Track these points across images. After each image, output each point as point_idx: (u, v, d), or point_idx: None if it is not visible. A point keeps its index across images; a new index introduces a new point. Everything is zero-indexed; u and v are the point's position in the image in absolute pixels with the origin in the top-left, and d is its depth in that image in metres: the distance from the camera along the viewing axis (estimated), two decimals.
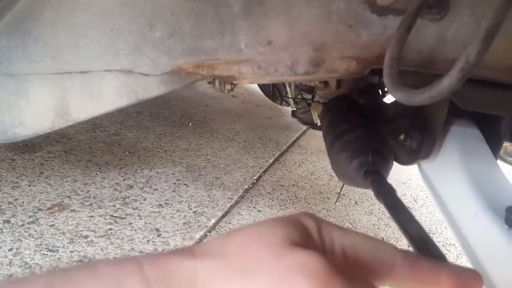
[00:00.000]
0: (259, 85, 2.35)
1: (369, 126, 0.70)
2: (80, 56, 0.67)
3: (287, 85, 1.31)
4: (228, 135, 2.15)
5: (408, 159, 0.71)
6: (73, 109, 0.70)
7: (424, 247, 0.40)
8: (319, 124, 1.04)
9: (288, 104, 2.14)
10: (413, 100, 0.39)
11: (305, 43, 0.60)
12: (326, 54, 0.59)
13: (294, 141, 2.23)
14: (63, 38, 0.66)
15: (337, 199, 1.60)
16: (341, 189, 1.58)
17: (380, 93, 0.92)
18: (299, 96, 1.19)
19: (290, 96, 1.27)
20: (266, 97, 2.42)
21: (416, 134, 0.69)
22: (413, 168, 0.81)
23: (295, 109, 1.33)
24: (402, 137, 0.72)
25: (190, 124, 2.20)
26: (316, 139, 2.25)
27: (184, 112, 2.33)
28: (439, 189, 0.63)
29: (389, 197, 0.50)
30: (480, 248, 0.51)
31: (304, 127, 2.40)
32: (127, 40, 0.66)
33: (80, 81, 0.68)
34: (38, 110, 0.70)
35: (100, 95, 0.69)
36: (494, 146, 0.60)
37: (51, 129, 0.73)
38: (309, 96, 1.11)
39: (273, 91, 2.18)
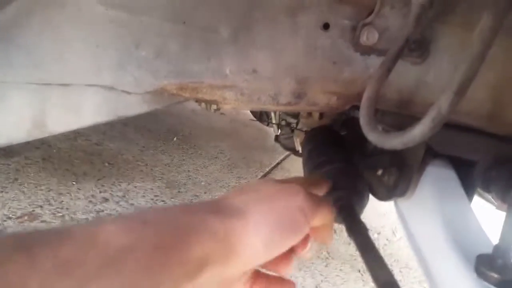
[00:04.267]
0: None
1: (347, 159, 0.70)
2: (63, 68, 0.66)
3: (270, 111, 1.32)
4: (213, 152, 2.14)
5: (384, 195, 0.71)
6: (51, 120, 0.69)
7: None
8: (300, 151, 1.04)
9: (269, 125, 2.16)
10: (384, 144, 0.39)
11: (289, 75, 0.61)
12: (308, 87, 0.60)
13: (278, 163, 2.24)
14: (47, 48, 0.65)
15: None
16: None
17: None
18: (283, 122, 1.20)
19: (273, 121, 1.28)
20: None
21: (394, 170, 0.70)
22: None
23: (278, 134, 1.34)
24: (380, 172, 0.72)
25: (175, 138, 2.19)
26: (300, 163, 2.25)
27: (170, 126, 2.32)
28: (412, 228, 0.63)
29: (360, 236, 0.49)
30: None
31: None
32: (111, 56, 0.66)
33: (60, 93, 0.67)
34: (14, 118, 0.68)
35: (80, 109, 0.68)
36: (469, 189, 0.61)
37: (26, 139, 0.71)
38: (294, 122, 1.12)
39: (261, 113, 2.19)
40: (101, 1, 0.62)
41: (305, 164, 0.76)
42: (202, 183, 1.77)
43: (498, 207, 1.44)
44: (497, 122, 0.57)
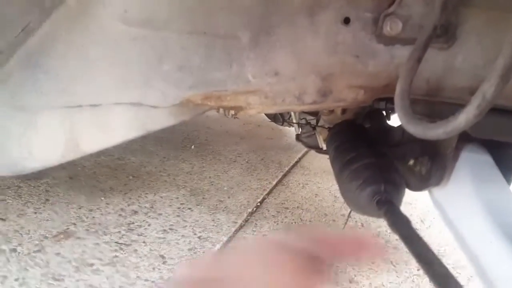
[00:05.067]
0: None
1: (377, 152, 0.69)
2: (90, 89, 0.68)
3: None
4: (231, 157, 2.15)
5: (418, 186, 0.70)
6: (83, 141, 0.70)
7: (443, 281, 0.39)
8: (324, 148, 1.04)
9: (289, 125, 2.15)
10: (427, 135, 0.39)
11: (312, 73, 0.61)
12: (333, 84, 0.60)
13: (297, 162, 2.23)
14: (74, 70, 0.67)
15: (346, 223, 1.58)
16: (349, 213, 1.57)
17: (385, 117, 0.92)
18: (303, 120, 1.20)
19: (294, 120, 1.27)
20: (267, 118, 2.44)
21: (426, 160, 0.69)
22: None
23: (299, 132, 1.34)
24: (411, 162, 0.71)
25: (193, 147, 2.21)
26: (319, 160, 2.24)
27: (186, 135, 2.34)
28: (452, 216, 0.62)
29: (404, 229, 0.49)
30: (497, 276, 0.50)
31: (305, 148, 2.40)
32: (136, 73, 0.67)
33: (90, 114, 0.68)
34: (47, 142, 0.70)
35: (110, 127, 0.69)
36: (507, 172, 0.60)
37: (61, 161, 0.73)
38: (314, 120, 1.12)
39: (275, 113, 2.19)
40: (123, 19, 0.64)
41: (333, 161, 0.76)
42: (225, 188, 1.78)
43: None
44: None
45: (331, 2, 0.56)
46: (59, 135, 0.71)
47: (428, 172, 0.68)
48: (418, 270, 1.41)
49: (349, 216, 1.59)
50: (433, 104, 0.56)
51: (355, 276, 1.32)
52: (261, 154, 2.26)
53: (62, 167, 1.61)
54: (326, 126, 0.89)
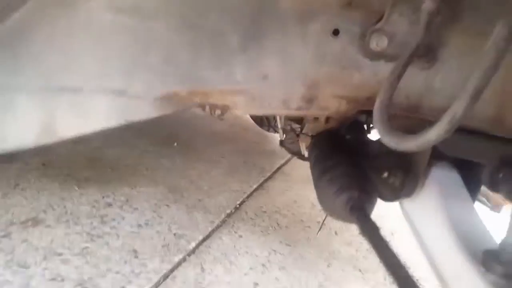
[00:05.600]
0: None
1: (355, 162, 0.71)
2: (73, 74, 0.67)
3: (277, 115, 1.33)
4: (214, 157, 2.15)
5: (390, 196, 0.72)
6: (60, 126, 0.69)
7: (406, 286, 0.41)
8: (306, 155, 1.05)
9: (274, 131, 2.16)
10: (399, 146, 0.41)
11: (299, 80, 0.62)
12: (319, 92, 0.61)
13: (279, 168, 2.24)
14: (57, 56, 0.66)
15: (319, 229, 1.60)
16: (323, 220, 1.59)
17: (366, 130, 0.94)
18: (288, 127, 1.21)
19: (279, 125, 1.29)
20: (253, 122, 2.45)
21: (399, 173, 0.71)
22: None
23: (283, 138, 1.35)
24: (385, 174, 0.73)
25: (176, 144, 2.19)
26: (301, 167, 2.26)
27: (170, 131, 2.32)
28: (419, 227, 0.65)
29: (373, 235, 0.51)
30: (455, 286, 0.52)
31: (290, 155, 2.42)
32: (121, 62, 0.67)
33: (70, 99, 0.67)
34: (23, 124, 0.69)
35: (90, 114, 0.69)
36: (473, 190, 0.63)
37: (35, 145, 0.71)
38: (298, 127, 1.13)
39: (261, 118, 2.20)
40: (110, 8, 0.63)
41: (313, 168, 0.77)
42: (205, 187, 1.77)
43: (492, 209, 1.46)
44: (500, 125, 0.58)
45: (322, 13, 0.57)
46: (36, 118, 0.69)
47: (400, 185, 0.70)
48: (384, 279, 1.44)
49: (323, 223, 1.61)
50: (413, 120, 0.58)
51: (324, 280, 1.34)
52: (244, 157, 2.26)
53: (35, 153, 1.57)
54: (310, 134, 0.91)
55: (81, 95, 0.66)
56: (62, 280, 1.03)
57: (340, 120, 0.93)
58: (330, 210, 0.68)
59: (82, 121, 0.68)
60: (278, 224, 1.64)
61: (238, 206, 1.70)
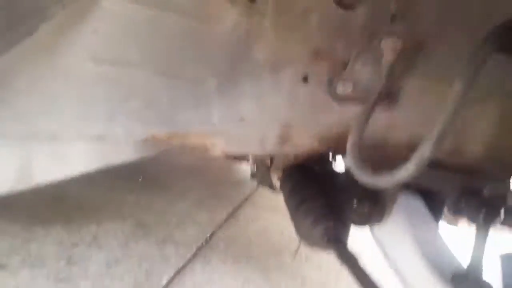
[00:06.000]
0: None
1: (326, 194, 0.77)
2: (51, 122, 0.68)
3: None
4: (180, 190, 2.14)
5: (361, 222, 0.78)
6: (38, 172, 0.69)
7: None
8: (277, 187, 1.09)
9: (240, 161, 2.20)
10: (375, 184, 0.46)
11: (274, 122, 0.67)
12: (293, 132, 0.66)
13: (247, 198, 2.27)
14: (36, 103, 0.66)
15: (294, 256, 1.63)
16: (298, 247, 1.62)
17: (331, 162, 1.01)
18: (259, 161, 1.26)
19: (250, 159, 1.33)
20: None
21: (367, 202, 0.77)
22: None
23: (254, 171, 1.39)
24: (354, 203, 0.79)
25: (140, 178, 2.16)
26: (268, 197, 2.31)
27: (134, 165, 2.28)
28: (389, 251, 0.70)
29: (352, 264, 0.55)
30: None
31: (256, 184, 2.46)
32: (101, 109, 0.68)
33: (49, 146, 0.68)
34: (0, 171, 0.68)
35: (68, 159, 0.69)
36: (436, 214, 0.70)
37: (10, 191, 0.70)
38: (268, 161, 1.18)
39: None
40: (91, 58, 0.65)
41: (287, 201, 0.81)
42: (174, 221, 1.76)
43: (449, 222, 1.57)
44: (459, 157, 0.66)
45: (292, 62, 0.63)
46: (12, 165, 0.68)
47: (369, 213, 0.76)
48: None
49: (297, 250, 1.64)
50: (378, 158, 0.64)
51: None
52: (212, 188, 2.27)
53: None
54: (280, 167, 0.95)
55: (60, 141, 0.66)
56: None
57: (308, 154, 1.00)
58: (307, 239, 0.72)
59: (60, 167, 0.68)
60: (250, 253, 1.65)
61: (208, 238, 1.70)
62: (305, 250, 1.77)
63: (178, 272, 1.38)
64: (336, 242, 0.62)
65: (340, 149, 0.65)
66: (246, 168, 2.57)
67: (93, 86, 0.67)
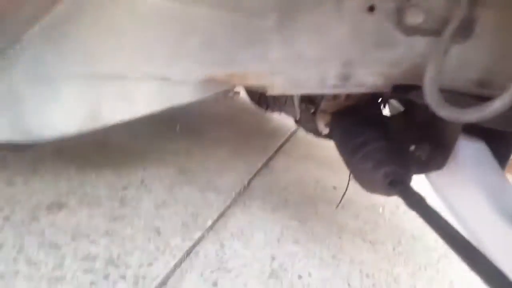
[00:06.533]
0: (246, 90, 2.40)
1: (386, 136, 0.76)
2: (117, 61, 0.69)
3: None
4: (217, 139, 2.18)
5: (417, 170, 0.77)
6: (105, 113, 0.72)
7: (464, 251, 0.45)
8: (324, 133, 1.10)
9: (272, 111, 2.19)
10: (459, 118, 0.45)
11: (335, 58, 0.66)
12: (355, 69, 0.65)
13: (280, 147, 2.29)
14: (101, 43, 0.68)
15: (338, 204, 1.66)
16: (343, 196, 1.65)
17: (384, 105, 0.99)
18: (303, 105, 1.25)
19: (295, 104, 1.32)
20: (249, 103, 2.48)
21: (426, 146, 0.76)
22: None
23: (299, 117, 1.39)
24: (412, 148, 0.78)
25: (178, 127, 2.21)
26: (300, 146, 2.32)
27: (171, 114, 2.33)
28: (450, 198, 0.70)
29: (420, 206, 0.55)
30: (496, 251, 0.57)
31: (288, 133, 2.47)
32: (164, 47, 0.69)
33: (115, 86, 0.70)
34: (68, 112, 0.71)
35: (133, 99, 0.71)
36: (501, 159, 0.68)
37: (79, 132, 0.74)
38: (314, 105, 1.17)
39: (260, 97, 2.23)
40: None
41: (340, 146, 0.81)
42: (213, 168, 1.81)
43: None
44: None
45: None
46: (81, 106, 0.71)
47: (427, 158, 0.75)
48: (393, 249, 1.53)
49: (342, 198, 1.67)
50: (448, 93, 0.62)
51: (337, 252, 1.41)
52: (246, 138, 2.30)
53: None
54: (328, 112, 0.95)
55: (124, 81, 0.69)
56: (93, 259, 1.07)
57: (359, 96, 0.98)
58: (368, 185, 0.72)
59: (126, 108, 0.70)
60: (286, 201, 1.70)
61: (246, 185, 1.75)
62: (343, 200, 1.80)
63: (221, 216, 1.45)
64: (401, 185, 0.62)
65: (406, 87, 0.64)
66: (278, 118, 2.58)
67: (156, 23, 0.67)
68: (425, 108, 0.55)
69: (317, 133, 1.22)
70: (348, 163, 0.77)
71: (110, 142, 1.76)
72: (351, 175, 0.81)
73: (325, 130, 1.05)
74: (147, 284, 1.03)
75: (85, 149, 1.63)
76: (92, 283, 0.99)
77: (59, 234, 1.12)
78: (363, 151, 0.71)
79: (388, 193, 0.67)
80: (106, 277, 1.02)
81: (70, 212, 1.22)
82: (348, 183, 1.48)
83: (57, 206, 1.23)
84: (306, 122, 1.28)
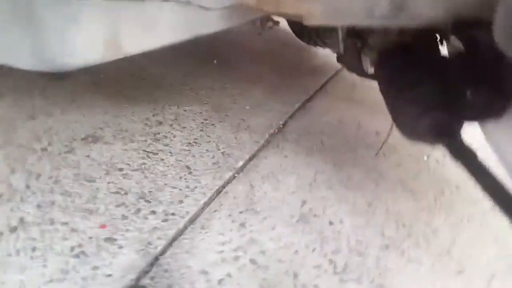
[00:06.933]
0: (289, 22, 2.22)
1: (438, 80, 0.65)
2: None
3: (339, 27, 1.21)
4: (254, 76, 2.09)
5: (472, 117, 0.67)
6: (125, 41, 0.66)
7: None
8: (369, 72, 0.98)
9: (316, 45, 2.03)
10: None
11: None
12: None
13: (322, 86, 2.16)
14: None
15: (378, 151, 1.58)
16: (384, 141, 1.55)
17: (440, 44, 0.85)
18: (349, 40, 1.11)
19: (339, 38, 1.19)
20: (292, 37, 2.31)
21: (485, 92, 0.65)
22: None
23: (342, 53, 1.26)
24: (469, 93, 0.67)
25: (215, 61, 2.14)
26: (344, 86, 2.18)
27: (207, 48, 2.25)
28: (508, 151, 0.60)
29: (469, 161, 0.47)
30: None
31: (332, 72, 2.32)
32: None
33: (135, 10, 0.63)
34: (88, 39, 0.67)
35: (155, 27, 0.65)
36: None
37: (101, 61, 0.70)
38: (361, 40, 1.04)
39: (303, 29, 2.05)
40: None
41: (385, 88, 0.71)
42: (247, 107, 1.76)
43: None
44: None
45: None
46: (101, 32, 0.66)
47: (485, 105, 0.64)
48: (435, 201, 1.45)
49: (383, 144, 1.57)
50: None
51: (373, 200, 1.36)
52: (284, 76, 2.19)
53: (85, 72, 1.58)
54: (377, 49, 0.83)
55: (146, 5, 0.62)
56: (126, 193, 1.09)
57: (413, 32, 0.84)
58: (410, 132, 0.64)
59: (148, 36, 0.64)
60: (323, 145, 1.63)
61: (281, 126, 1.69)
62: (384, 146, 1.70)
63: (252, 157, 1.42)
64: (450, 135, 0.54)
65: (470, 22, 0.51)
66: (324, 54, 2.42)
67: None
68: (491, 48, 0.44)
69: (362, 73, 1.09)
70: (391, 106, 0.67)
71: (146, 76, 1.74)
72: (394, 121, 0.72)
73: (371, 69, 0.93)
74: (176, 221, 1.05)
75: (120, 83, 1.63)
76: (124, 216, 1.02)
77: (93, 167, 1.14)
78: (409, 94, 0.61)
79: (433, 142, 0.58)
80: (137, 211, 1.04)
81: (105, 146, 1.24)
82: (391, 129, 1.37)
83: (93, 138, 1.25)
84: (351, 59, 1.15)
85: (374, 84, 1.10)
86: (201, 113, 1.59)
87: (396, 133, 1.63)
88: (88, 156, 1.18)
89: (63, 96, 1.41)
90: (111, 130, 1.31)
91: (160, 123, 1.43)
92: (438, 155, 1.77)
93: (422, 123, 0.58)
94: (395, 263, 1.17)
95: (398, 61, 0.71)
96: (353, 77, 1.46)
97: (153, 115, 1.46)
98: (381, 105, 1.59)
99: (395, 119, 0.66)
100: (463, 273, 1.20)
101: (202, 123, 1.53)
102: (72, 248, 0.91)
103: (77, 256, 0.90)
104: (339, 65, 2.33)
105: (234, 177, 1.30)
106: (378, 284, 1.08)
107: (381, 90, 0.74)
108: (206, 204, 1.14)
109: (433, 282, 1.15)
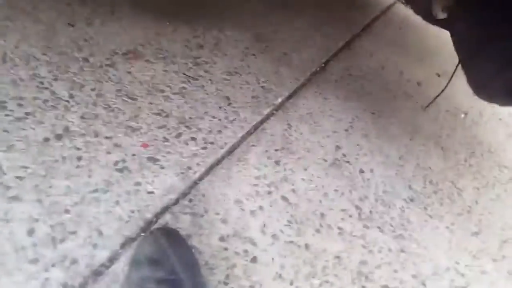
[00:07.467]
0: None
1: None
2: None
3: None
4: (297, 6, 1.95)
5: None
6: None
7: None
8: (439, 17, 0.88)
9: None
10: None
11: None
12: None
13: (368, 26, 2.02)
14: None
15: (428, 105, 1.52)
16: (438, 95, 1.48)
17: None
18: None
19: None
20: None
21: None
22: None
23: None
24: None
25: None
26: (393, 28, 2.03)
27: None
28: None
29: None
30: None
31: (381, 10, 2.14)
32: None
33: None
34: None
35: None
36: None
37: None
38: None
39: None
40: None
41: (462, 38, 0.64)
42: (289, 40, 1.67)
43: None
44: None
45: None
46: None
47: None
48: (465, 161, 1.43)
49: (435, 98, 1.51)
50: None
51: (405, 153, 1.35)
52: (330, 9, 2.04)
53: None
54: None
55: None
56: (167, 116, 1.09)
57: None
58: (483, 89, 0.59)
59: None
60: (363, 90, 1.58)
61: (323, 65, 1.62)
62: (424, 100, 1.63)
63: (291, 95, 1.38)
64: None
65: None
66: None
67: None
68: None
69: (429, 17, 0.97)
70: (467, 60, 0.61)
71: None
72: (466, 76, 0.66)
73: (441, 15, 0.84)
74: (215, 150, 1.06)
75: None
76: (165, 139, 1.03)
77: (135, 85, 1.13)
78: (489, 48, 0.54)
79: (507, 104, 0.54)
80: (178, 135, 1.05)
81: (146, 64, 1.21)
82: (448, 83, 1.31)
83: (134, 55, 1.22)
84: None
85: (430, 31, 0.99)
86: (242, 40, 1.52)
87: (437, 86, 1.56)
88: (129, 72, 1.16)
89: (102, 5, 1.34)
90: (152, 48, 1.27)
91: (201, 46, 1.38)
92: (476, 115, 1.70)
93: (501, 81, 0.52)
94: (417, 217, 1.19)
95: (479, 9, 0.62)
96: (401, 19, 1.34)
97: (194, 37, 1.40)
98: (428, 54, 1.49)
99: (470, 76, 0.60)
100: (478, 235, 1.23)
101: (243, 52, 1.47)
102: (116, 163, 0.94)
103: (120, 170, 0.93)
104: (389, 2, 2.15)
105: (272, 114, 1.28)
106: (398, 234, 1.12)
107: (455, 42, 0.67)
108: (244, 138, 1.14)
109: (450, 239, 1.18)
